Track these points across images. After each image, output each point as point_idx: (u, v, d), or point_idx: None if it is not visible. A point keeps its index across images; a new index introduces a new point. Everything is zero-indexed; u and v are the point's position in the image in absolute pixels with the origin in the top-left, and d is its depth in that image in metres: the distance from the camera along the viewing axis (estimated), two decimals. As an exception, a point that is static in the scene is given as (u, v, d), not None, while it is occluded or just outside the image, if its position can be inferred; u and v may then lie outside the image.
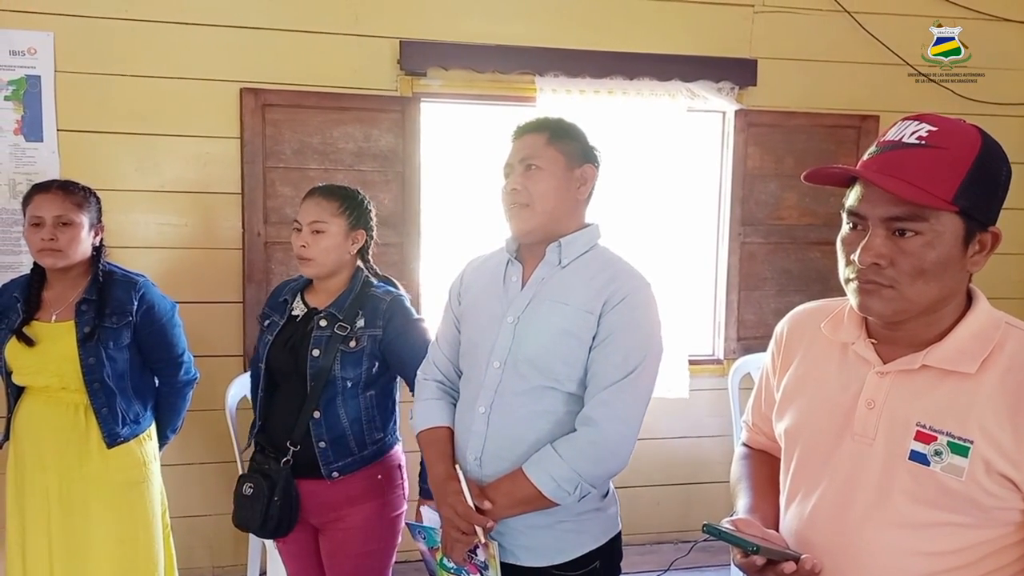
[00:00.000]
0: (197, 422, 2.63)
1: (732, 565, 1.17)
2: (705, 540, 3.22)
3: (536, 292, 1.55)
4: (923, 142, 1.02)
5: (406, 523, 1.89)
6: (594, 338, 1.48)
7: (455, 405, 1.66)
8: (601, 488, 1.56)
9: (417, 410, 1.69)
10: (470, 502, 1.47)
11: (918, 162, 1.01)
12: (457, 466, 1.54)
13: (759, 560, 1.06)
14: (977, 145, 1.02)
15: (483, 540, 1.47)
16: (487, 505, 1.47)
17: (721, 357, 3.37)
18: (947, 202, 0.99)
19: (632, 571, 3.10)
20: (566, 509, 1.50)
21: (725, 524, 1.12)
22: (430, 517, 1.64)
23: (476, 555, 1.52)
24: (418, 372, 1.76)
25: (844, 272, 1.09)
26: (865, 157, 1.08)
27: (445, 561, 1.56)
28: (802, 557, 1.07)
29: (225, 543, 2.98)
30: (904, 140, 1.04)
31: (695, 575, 3.16)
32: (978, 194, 1.01)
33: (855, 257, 1.04)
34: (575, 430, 1.48)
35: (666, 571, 3.17)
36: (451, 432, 1.63)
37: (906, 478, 1.04)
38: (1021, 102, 3.42)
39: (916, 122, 1.04)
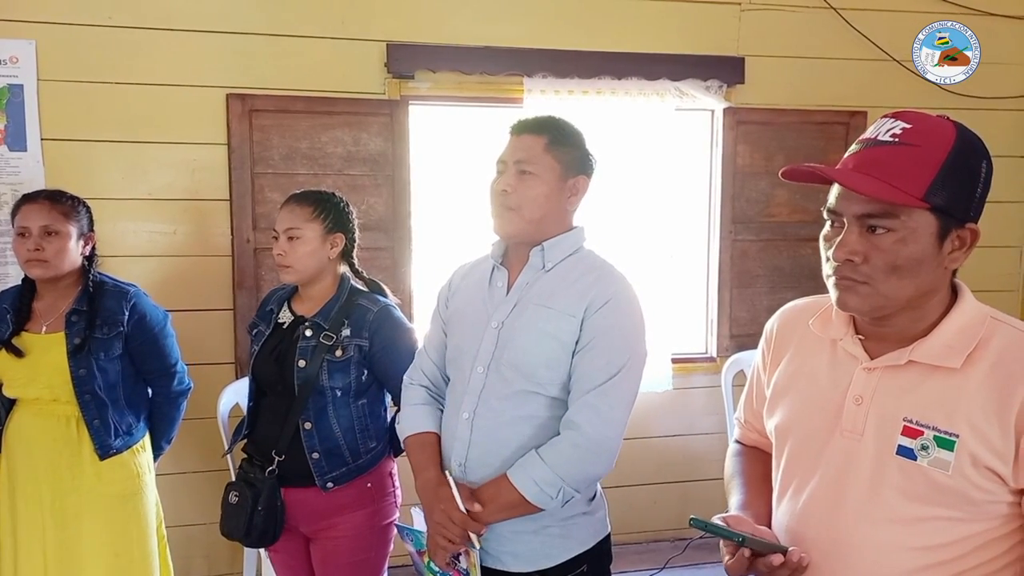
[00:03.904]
0: (189, 430, 2.62)
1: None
2: (700, 537, 3.22)
3: (520, 297, 1.55)
4: (897, 140, 1.03)
5: (396, 525, 1.88)
6: (577, 342, 1.48)
7: (442, 411, 1.65)
8: (587, 492, 1.55)
9: (404, 415, 1.69)
10: (462, 507, 1.46)
11: (890, 160, 1.01)
12: (448, 472, 1.53)
13: (745, 552, 1.06)
14: (950, 142, 1.02)
15: (478, 546, 1.46)
16: (477, 508, 1.46)
17: (714, 355, 3.36)
18: (918, 199, 1.00)
19: (628, 569, 3.10)
20: (552, 514, 1.50)
21: (716, 520, 1.12)
22: (420, 521, 1.63)
23: (459, 561, 1.51)
24: (405, 376, 1.75)
25: (825, 269, 1.10)
26: (846, 155, 1.09)
27: (432, 565, 1.56)
28: (789, 550, 1.07)
29: (221, 551, 2.96)
30: (879, 138, 1.05)
31: (691, 573, 3.16)
32: (952, 191, 1.01)
33: (830, 253, 1.05)
34: (559, 434, 1.47)
35: (661, 569, 3.17)
36: (438, 437, 1.62)
37: (895, 473, 1.05)
38: (1012, 95, 3.43)
39: (892, 120, 1.05)
